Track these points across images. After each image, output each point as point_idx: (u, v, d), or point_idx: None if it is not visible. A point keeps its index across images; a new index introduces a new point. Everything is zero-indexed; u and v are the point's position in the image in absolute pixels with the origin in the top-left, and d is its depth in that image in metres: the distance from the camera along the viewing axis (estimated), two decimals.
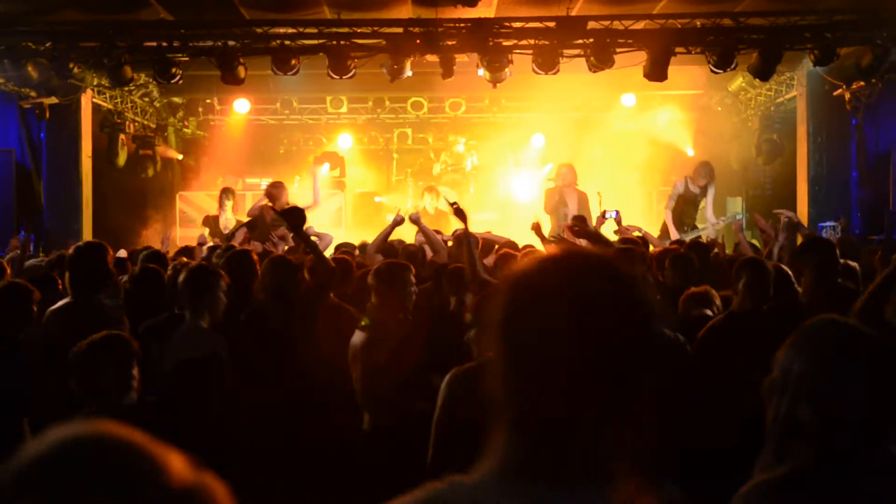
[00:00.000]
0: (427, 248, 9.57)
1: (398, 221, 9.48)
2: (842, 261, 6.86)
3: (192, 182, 19.18)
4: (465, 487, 1.45)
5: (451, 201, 7.06)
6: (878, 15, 12.45)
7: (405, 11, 13.00)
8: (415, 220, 9.41)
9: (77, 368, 4.03)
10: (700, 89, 18.03)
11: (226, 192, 14.62)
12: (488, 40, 12.71)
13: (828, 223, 13.53)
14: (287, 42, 12.93)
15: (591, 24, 12.69)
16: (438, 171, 20.23)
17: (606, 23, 12.67)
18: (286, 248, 10.44)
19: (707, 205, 14.11)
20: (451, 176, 19.92)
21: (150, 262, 7.23)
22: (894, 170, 14.16)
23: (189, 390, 5.05)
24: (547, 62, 12.74)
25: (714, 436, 4.58)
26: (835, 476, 2.24)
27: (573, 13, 12.82)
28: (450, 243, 9.66)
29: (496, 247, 9.57)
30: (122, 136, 16.96)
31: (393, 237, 9.97)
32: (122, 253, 10.42)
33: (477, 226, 12.48)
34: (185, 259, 8.50)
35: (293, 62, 12.92)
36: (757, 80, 14.46)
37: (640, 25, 12.84)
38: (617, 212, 10.79)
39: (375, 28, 12.76)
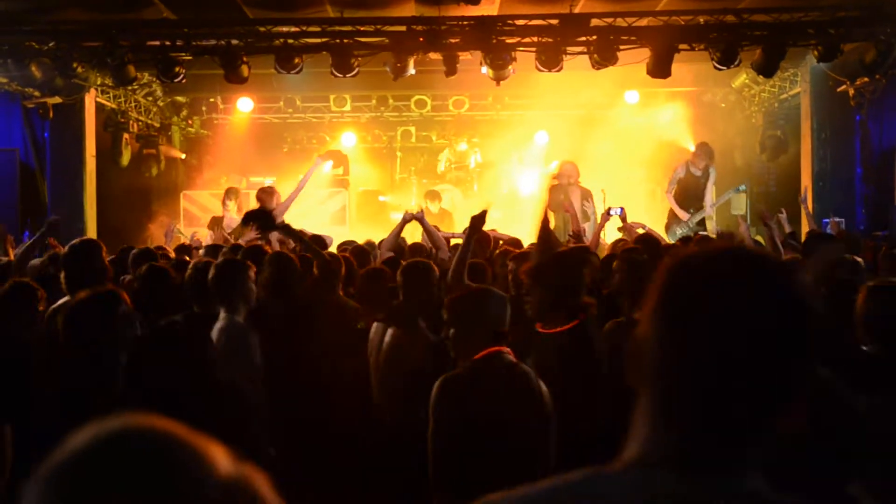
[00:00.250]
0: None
1: (407, 219, 9.53)
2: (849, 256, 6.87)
3: (196, 181, 19.18)
4: (606, 477, 1.44)
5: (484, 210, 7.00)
6: (882, 11, 12.44)
7: (408, 9, 13.00)
8: (419, 219, 9.44)
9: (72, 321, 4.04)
10: (703, 86, 18.02)
11: (229, 193, 14.64)
12: (491, 38, 12.71)
13: (832, 219, 13.52)
14: (290, 41, 12.94)
15: (595, 22, 12.69)
16: (443, 169, 20.21)
17: (609, 20, 12.67)
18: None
19: (707, 190, 14.09)
20: (455, 174, 19.91)
21: (141, 261, 7.18)
22: None
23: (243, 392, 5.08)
24: (550, 60, 12.74)
25: None
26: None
27: (576, 10, 12.82)
28: (453, 241, 9.70)
29: (500, 243, 9.59)
30: (125, 136, 16.97)
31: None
32: None
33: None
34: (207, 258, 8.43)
35: (296, 61, 12.93)
36: (760, 76, 14.47)
37: (643, 22, 12.82)
38: (622, 209, 10.78)
39: (378, 26, 12.76)
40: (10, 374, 4.77)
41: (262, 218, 7.21)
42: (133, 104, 17.45)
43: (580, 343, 4.95)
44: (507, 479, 4.08)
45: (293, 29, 12.98)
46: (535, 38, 12.78)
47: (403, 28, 12.77)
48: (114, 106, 16.67)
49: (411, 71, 13.07)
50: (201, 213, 17.13)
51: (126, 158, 17.04)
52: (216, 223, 14.29)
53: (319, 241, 8.79)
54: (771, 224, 9.58)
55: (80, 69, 13.29)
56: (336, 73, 12.99)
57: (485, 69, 13.24)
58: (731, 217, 17.14)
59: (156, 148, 18.21)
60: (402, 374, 5.65)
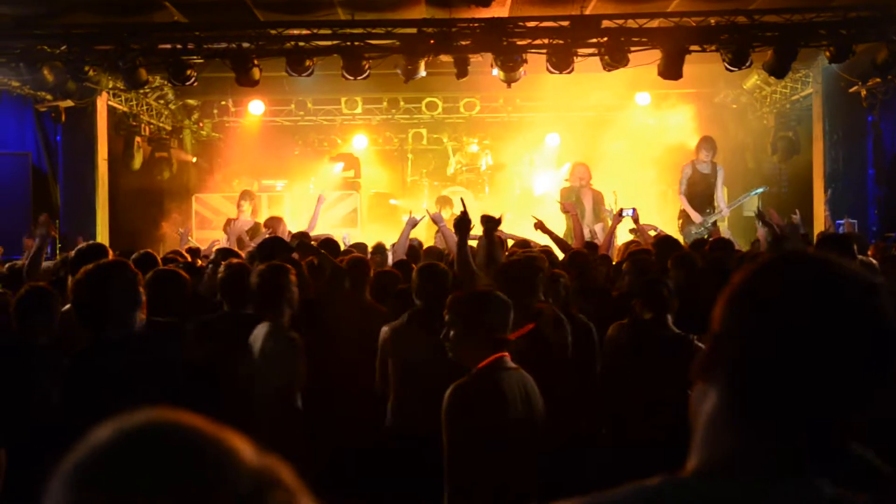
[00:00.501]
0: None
1: (413, 222, 9.49)
2: (860, 257, 6.85)
3: (208, 184, 19.22)
4: (681, 485, 1.42)
5: (461, 210, 7.03)
6: (893, 11, 12.39)
7: (419, 12, 13.02)
8: (435, 220, 9.35)
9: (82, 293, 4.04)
10: (715, 87, 18.00)
11: (244, 196, 14.73)
12: (502, 40, 12.71)
13: (845, 220, 13.49)
14: (301, 43, 12.95)
15: (605, 23, 12.68)
16: (452, 171, 20.20)
17: (620, 21, 12.65)
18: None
19: (717, 189, 14.04)
20: (466, 176, 19.90)
21: (140, 265, 7.15)
22: None
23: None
24: (561, 61, 12.73)
25: None
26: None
27: (587, 12, 12.82)
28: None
29: (510, 244, 9.56)
30: (137, 139, 17.04)
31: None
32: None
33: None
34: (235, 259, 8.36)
35: (308, 63, 12.94)
36: (772, 77, 14.43)
37: (654, 24, 12.81)
38: (634, 210, 10.75)
39: (389, 29, 12.77)
40: (12, 391, 4.80)
41: (278, 246, 7.25)
42: (145, 107, 17.50)
43: (538, 345, 5.03)
44: (516, 482, 4.09)
45: (304, 32, 13.00)
46: (545, 40, 12.76)
47: (414, 30, 12.77)
48: (125, 109, 16.73)
49: (422, 73, 13.08)
50: (213, 216, 17.16)
51: (138, 162, 17.10)
52: (231, 224, 14.34)
53: (331, 244, 8.81)
54: (772, 223, 9.54)
55: (91, 73, 13.33)
56: (347, 76, 13.00)
57: (496, 71, 13.24)
58: (743, 218, 17.11)
59: (167, 151, 18.29)
60: (419, 378, 5.64)
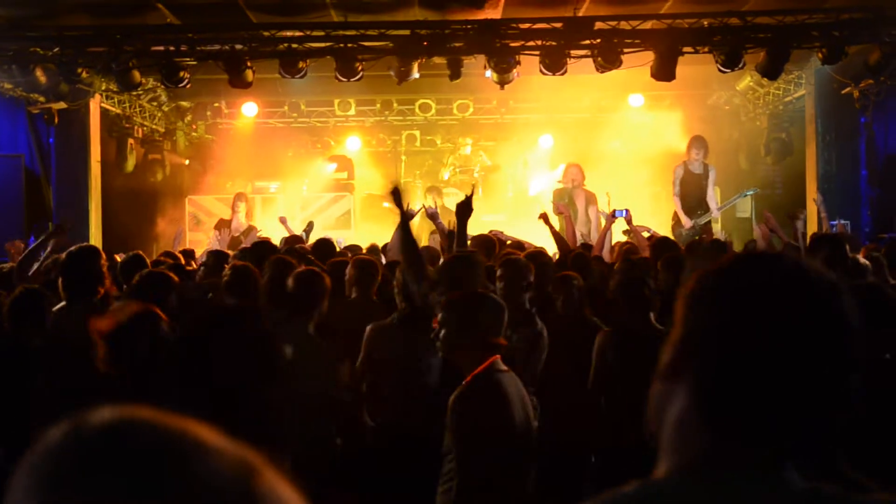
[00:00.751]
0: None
1: (410, 215, 9.39)
2: (852, 255, 6.87)
3: (202, 186, 19.18)
4: (656, 489, 1.43)
5: (466, 195, 7.06)
6: (886, 13, 12.42)
7: (412, 14, 13.01)
8: (431, 215, 9.30)
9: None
10: (708, 89, 18.02)
11: (239, 197, 14.80)
12: (495, 42, 12.72)
13: (838, 222, 13.50)
14: (294, 45, 12.94)
15: (598, 25, 12.68)
16: (447, 177, 20.19)
17: (613, 23, 12.66)
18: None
19: (709, 189, 14.05)
20: (459, 177, 19.91)
21: (132, 267, 7.13)
22: None
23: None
24: (554, 63, 12.73)
25: None
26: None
27: (580, 14, 12.82)
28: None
29: (507, 243, 9.56)
30: (130, 141, 17.00)
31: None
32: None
33: (485, 226, 12.53)
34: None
35: (301, 65, 12.93)
36: (765, 79, 14.45)
37: (647, 25, 12.82)
38: (626, 210, 10.77)
39: (382, 30, 12.77)
40: (7, 392, 4.80)
41: (267, 249, 7.35)
42: (138, 109, 17.47)
43: None
44: (519, 484, 4.11)
45: (297, 34, 12.99)
46: (539, 42, 12.76)
47: (407, 32, 12.78)
48: (118, 111, 16.70)
49: (415, 75, 13.07)
50: (207, 218, 17.17)
51: (131, 164, 17.07)
52: (224, 224, 14.40)
53: (327, 246, 8.82)
54: (777, 230, 9.56)
55: (84, 74, 13.29)
56: (340, 78, 13.00)
57: (489, 73, 13.25)
58: (736, 220, 17.14)
59: (161, 153, 18.27)
60: (394, 376, 5.66)
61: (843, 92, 14.24)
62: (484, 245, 8.58)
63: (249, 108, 18.43)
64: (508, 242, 9.60)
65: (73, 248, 6.09)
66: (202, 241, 14.50)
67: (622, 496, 1.41)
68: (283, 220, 12.62)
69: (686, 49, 12.69)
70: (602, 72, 12.92)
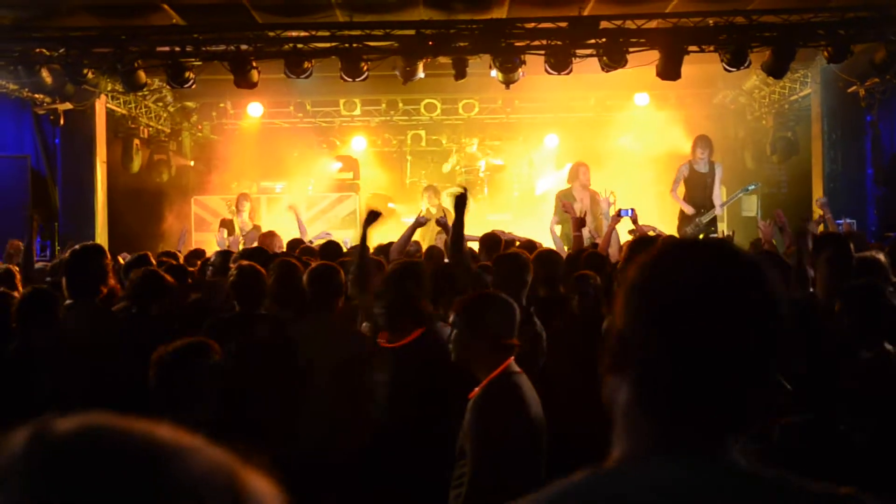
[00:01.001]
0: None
1: (420, 222, 9.37)
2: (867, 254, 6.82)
3: (207, 186, 19.17)
4: (605, 476, 1.45)
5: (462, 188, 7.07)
6: (891, 11, 12.40)
7: (417, 13, 13.01)
8: (442, 225, 9.31)
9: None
10: (713, 88, 18.00)
11: (243, 197, 14.83)
12: (500, 41, 12.72)
13: (844, 220, 13.46)
14: (300, 45, 12.95)
15: (604, 24, 12.67)
16: (448, 170, 20.16)
17: (619, 22, 12.65)
18: None
19: (715, 187, 14.00)
20: (465, 177, 19.89)
21: (135, 267, 7.15)
22: None
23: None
24: (560, 62, 12.73)
25: None
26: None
27: (585, 13, 12.81)
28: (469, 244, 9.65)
29: (516, 243, 9.53)
30: (136, 141, 17.04)
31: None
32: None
33: (490, 226, 12.50)
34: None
35: (306, 65, 12.94)
36: (770, 77, 14.43)
37: (652, 24, 12.81)
38: (632, 210, 10.74)
39: (388, 30, 12.77)
40: (14, 391, 4.82)
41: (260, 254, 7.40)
42: (143, 110, 17.50)
43: (425, 353, 5.05)
44: (531, 483, 4.10)
45: (303, 34, 13.00)
46: (544, 41, 12.76)
47: (412, 32, 12.78)
48: (124, 112, 16.73)
49: (421, 75, 13.07)
50: (212, 219, 17.17)
51: (137, 164, 17.10)
52: (227, 224, 14.46)
53: (333, 247, 8.82)
54: (784, 226, 9.55)
55: (90, 75, 13.32)
56: (346, 78, 13.00)
57: (494, 72, 13.24)
58: (741, 218, 17.11)
59: (166, 153, 18.29)
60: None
61: (848, 91, 14.22)
62: (489, 244, 8.57)
63: (255, 109, 18.44)
64: (517, 243, 9.57)
65: (76, 246, 6.10)
66: (209, 241, 14.48)
67: (570, 485, 1.44)
68: (293, 209, 12.57)
69: (691, 48, 12.68)
70: (607, 71, 12.90)
